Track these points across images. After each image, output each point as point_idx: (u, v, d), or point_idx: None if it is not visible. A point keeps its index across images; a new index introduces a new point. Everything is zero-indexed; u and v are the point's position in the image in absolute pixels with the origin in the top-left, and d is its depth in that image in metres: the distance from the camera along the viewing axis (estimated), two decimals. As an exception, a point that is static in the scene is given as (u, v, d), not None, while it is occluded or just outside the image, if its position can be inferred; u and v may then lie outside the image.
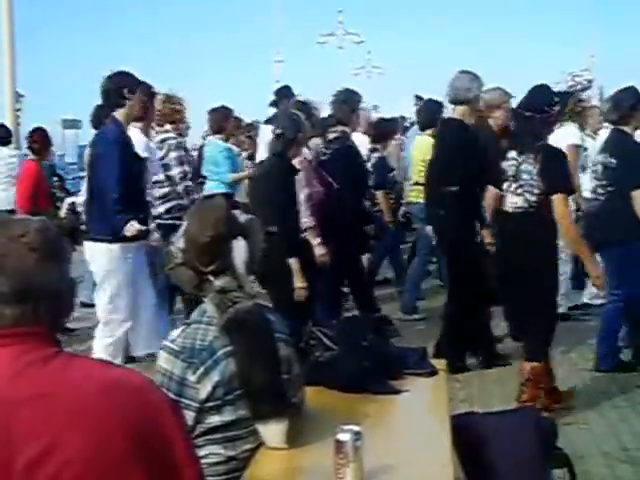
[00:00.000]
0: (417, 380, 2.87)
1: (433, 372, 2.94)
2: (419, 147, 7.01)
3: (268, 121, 6.46)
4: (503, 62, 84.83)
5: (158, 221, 5.56)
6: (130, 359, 5.41)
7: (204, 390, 2.24)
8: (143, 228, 4.58)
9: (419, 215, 7.07)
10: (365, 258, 7.23)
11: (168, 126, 6.06)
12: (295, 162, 5.03)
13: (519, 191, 4.32)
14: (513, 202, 4.36)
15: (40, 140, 7.45)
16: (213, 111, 7.05)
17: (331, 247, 5.29)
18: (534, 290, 4.37)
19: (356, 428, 2.02)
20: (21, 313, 1.50)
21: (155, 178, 5.79)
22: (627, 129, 5.31)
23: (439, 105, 6.53)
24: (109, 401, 1.49)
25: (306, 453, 2.27)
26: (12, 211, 7.13)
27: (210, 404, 2.25)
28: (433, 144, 5.68)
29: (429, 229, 6.09)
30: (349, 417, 2.27)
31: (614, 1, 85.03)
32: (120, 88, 4.68)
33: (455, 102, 5.40)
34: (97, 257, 4.69)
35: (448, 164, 5.27)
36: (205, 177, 6.99)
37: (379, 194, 7.61)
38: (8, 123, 9.73)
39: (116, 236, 4.57)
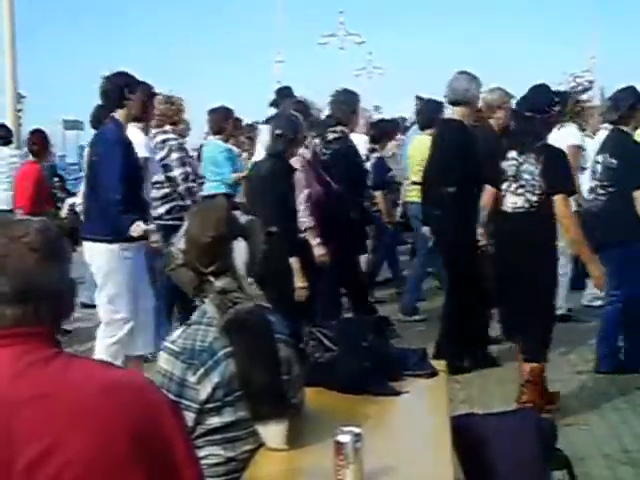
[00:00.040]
0: (417, 381, 2.88)
1: (433, 373, 2.94)
2: (417, 147, 7.01)
3: (267, 121, 6.47)
4: (503, 62, 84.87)
5: (158, 222, 5.56)
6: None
7: (204, 391, 2.24)
8: (149, 228, 4.60)
9: (417, 215, 7.08)
10: (364, 259, 7.25)
11: (168, 127, 6.06)
12: (294, 162, 5.04)
13: (519, 191, 4.31)
14: (513, 202, 4.35)
15: (39, 142, 7.50)
16: (213, 112, 7.05)
17: (330, 247, 5.29)
18: (534, 290, 4.36)
19: (356, 429, 2.02)
20: (22, 313, 1.51)
21: (155, 178, 5.79)
22: (627, 129, 5.31)
23: (439, 105, 6.53)
24: (110, 402, 1.49)
25: (306, 454, 2.27)
26: (10, 211, 7.14)
27: (210, 405, 2.25)
28: (431, 144, 5.67)
29: (426, 229, 6.10)
30: (349, 418, 2.28)
31: (615, 2, 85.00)
32: (121, 88, 4.68)
33: (454, 103, 5.40)
34: (97, 257, 4.69)
35: (447, 165, 5.27)
36: (203, 178, 6.97)
37: (378, 194, 7.62)
38: (9, 124, 9.74)
39: (121, 236, 4.57)
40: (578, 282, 6.97)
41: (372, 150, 7.80)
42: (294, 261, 4.82)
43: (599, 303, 6.26)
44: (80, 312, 6.33)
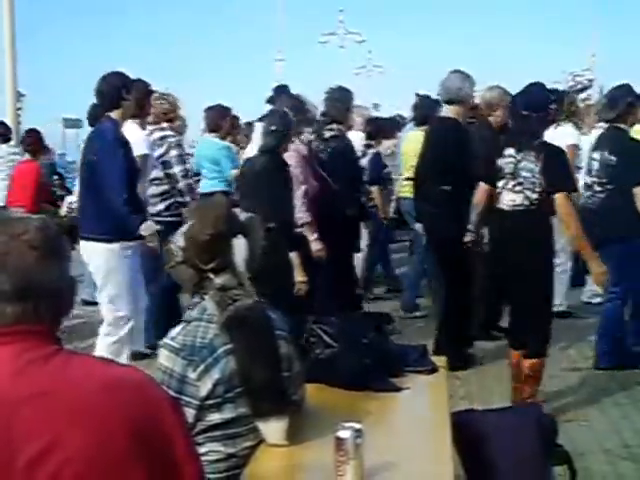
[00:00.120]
0: (417, 377, 2.88)
1: (433, 369, 2.95)
2: (411, 143, 7.01)
3: (262, 119, 6.48)
4: (503, 62, 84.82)
5: (157, 219, 5.56)
6: (140, 355, 5.43)
7: (204, 388, 2.25)
8: (158, 227, 4.61)
9: (410, 211, 7.09)
10: (361, 255, 7.27)
11: (165, 124, 6.06)
12: (289, 157, 5.05)
13: (518, 189, 4.30)
14: (511, 200, 4.33)
15: (34, 142, 7.58)
16: (209, 109, 7.04)
17: (326, 243, 5.32)
18: (534, 287, 4.36)
19: (356, 425, 2.02)
20: (22, 311, 1.51)
21: (154, 175, 5.79)
22: (624, 126, 5.32)
23: (436, 102, 6.54)
24: (110, 399, 1.49)
25: (306, 450, 2.27)
26: (4, 207, 7.15)
27: (210, 402, 2.26)
28: (423, 141, 5.66)
29: (419, 226, 6.11)
30: (349, 414, 2.27)
31: (615, 1, 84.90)
32: (118, 89, 4.67)
33: (447, 102, 5.39)
34: (97, 257, 4.67)
35: (442, 163, 5.25)
36: (198, 175, 6.95)
37: (374, 189, 7.64)
38: (9, 122, 9.74)
39: (124, 235, 4.59)
40: (578, 279, 6.98)
41: (368, 146, 7.81)
42: (294, 256, 4.84)
43: (598, 300, 6.27)
44: (80, 309, 6.34)
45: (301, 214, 5.14)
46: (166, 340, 2.34)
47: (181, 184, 5.95)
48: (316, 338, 2.87)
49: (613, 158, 5.21)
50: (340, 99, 6.06)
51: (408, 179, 6.84)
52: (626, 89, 5.40)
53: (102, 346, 4.69)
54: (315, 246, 5.26)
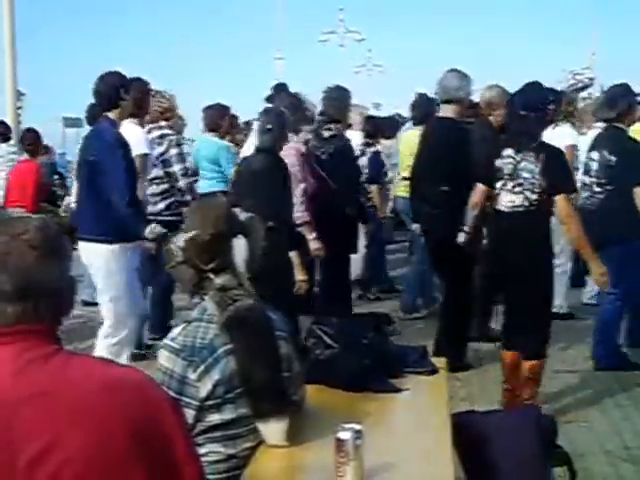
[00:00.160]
0: (418, 378, 2.88)
1: (433, 370, 2.94)
2: (407, 142, 7.01)
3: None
4: (503, 62, 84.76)
5: (158, 218, 5.56)
6: (139, 356, 5.44)
7: (204, 388, 2.24)
8: (164, 230, 4.61)
9: (405, 210, 7.09)
10: (360, 256, 7.27)
11: (163, 122, 6.06)
12: (288, 155, 5.05)
13: (517, 189, 4.28)
14: (510, 201, 4.32)
15: (33, 142, 7.58)
16: (208, 108, 7.03)
17: (324, 242, 5.33)
18: (533, 289, 4.36)
19: (357, 426, 2.02)
20: (22, 311, 1.51)
21: (153, 174, 5.79)
22: (622, 126, 5.31)
23: (435, 101, 6.54)
24: (110, 399, 1.49)
25: (306, 451, 2.27)
26: (2, 207, 7.16)
27: (210, 402, 2.25)
28: (419, 140, 5.65)
29: (416, 226, 6.10)
30: (350, 415, 2.28)
31: (615, 1, 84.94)
32: (116, 89, 4.67)
33: (445, 101, 5.38)
34: (97, 258, 4.66)
35: (441, 163, 5.23)
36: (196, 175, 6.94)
37: (373, 188, 7.64)
38: (9, 121, 9.74)
39: (131, 236, 4.60)
40: (577, 280, 6.98)
41: (367, 145, 7.81)
42: (294, 255, 4.85)
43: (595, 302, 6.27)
44: (81, 310, 6.34)
45: (300, 213, 5.15)
46: (166, 341, 2.33)
47: (181, 183, 5.95)
48: (316, 339, 2.87)
49: (613, 158, 5.20)
50: (338, 98, 6.06)
51: (405, 179, 6.84)
52: (625, 88, 5.40)
53: (102, 347, 4.68)
54: (313, 245, 5.27)
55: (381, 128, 8.39)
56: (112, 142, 4.58)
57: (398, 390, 2.75)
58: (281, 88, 7.20)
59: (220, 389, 2.25)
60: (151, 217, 5.43)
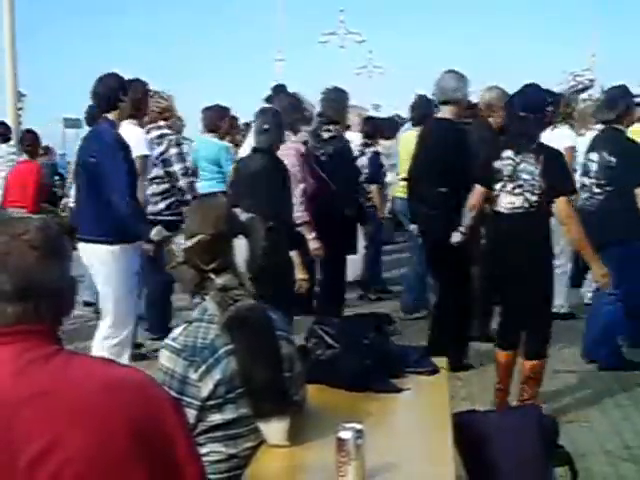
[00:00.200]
0: (418, 378, 2.88)
1: (434, 370, 2.94)
2: (405, 143, 7.01)
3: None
4: (503, 62, 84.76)
5: (158, 218, 5.57)
6: (140, 356, 5.44)
7: (206, 388, 2.24)
8: (170, 234, 4.61)
9: (403, 211, 7.09)
10: (359, 257, 7.28)
11: (161, 122, 6.06)
12: (289, 155, 5.05)
13: (517, 191, 4.28)
14: (510, 202, 4.31)
15: (32, 143, 7.62)
16: (207, 109, 7.03)
17: (323, 242, 5.33)
18: (534, 289, 4.36)
19: (358, 426, 2.02)
20: (23, 311, 1.51)
21: (154, 174, 5.79)
22: (621, 127, 5.32)
23: (433, 102, 6.54)
24: (111, 399, 1.49)
25: (308, 451, 2.27)
26: (1, 207, 7.17)
27: (212, 402, 2.25)
28: (417, 141, 5.64)
29: (414, 227, 6.09)
30: (351, 415, 2.27)
31: (615, 1, 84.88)
32: (115, 91, 4.67)
33: (443, 102, 5.37)
34: (97, 258, 4.66)
35: (439, 164, 5.22)
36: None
37: (373, 188, 7.64)
38: (10, 122, 9.75)
39: (131, 237, 4.61)
40: (577, 280, 6.97)
41: (366, 145, 7.81)
42: (294, 254, 4.86)
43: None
44: (81, 310, 6.35)
45: (299, 213, 5.15)
46: (167, 341, 2.33)
47: (181, 182, 5.95)
48: (317, 339, 2.87)
49: (613, 159, 5.20)
50: (336, 99, 6.06)
51: (404, 179, 6.85)
52: (623, 90, 5.42)
53: (103, 348, 4.68)
54: (313, 245, 5.27)
55: (380, 129, 8.40)
56: (112, 143, 4.58)
57: (399, 390, 2.75)
58: (280, 89, 7.21)
59: (221, 389, 2.25)
60: (151, 217, 5.45)
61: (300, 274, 4.91)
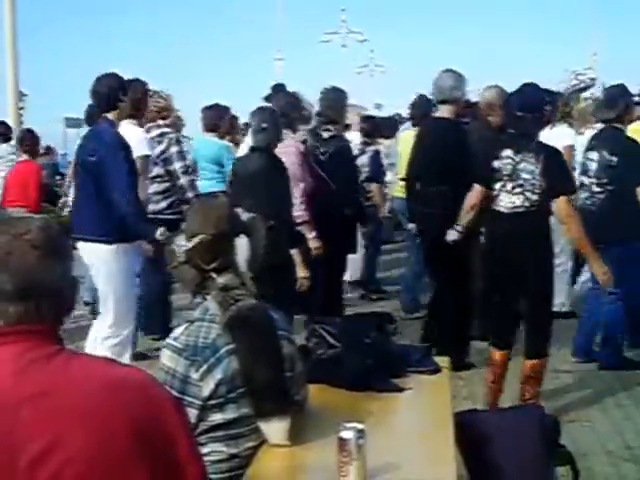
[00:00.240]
0: (420, 378, 2.87)
1: (436, 370, 2.94)
2: (404, 143, 7.01)
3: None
4: (505, 61, 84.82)
5: (159, 217, 5.57)
6: (141, 356, 5.44)
7: (207, 388, 2.24)
8: (172, 234, 4.61)
9: (402, 211, 7.09)
10: (359, 256, 7.27)
11: (160, 121, 6.06)
12: (289, 154, 5.04)
13: (517, 190, 4.27)
14: (510, 202, 4.30)
15: (31, 142, 7.60)
16: (207, 109, 7.02)
17: (323, 242, 5.33)
18: (534, 288, 4.36)
19: (359, 426, 2.02)
20: (24, 311, 1.51)
21: (154, 173, 5.79)
22: (621, 126, 5.32)
23: (432, 101, 6.53)
24: (113, 399, 1.49)
25: (309, 451, 2.27)
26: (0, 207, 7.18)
27: (213, 402, 2.25)
28: (415, 141, 5.63)
29: (412, 226, 6.08)
30: (352, 415, 2.27)
31: (616, 1, 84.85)
32: (115, 91, 4.67)
33: (441, 101, 5.36)
34: (97, 258, 4.65)
35: (439, 163, 5.22)
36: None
37: (374, 187, 7.63)
38: (11, 121, 9.77)
39: (138, 237, 4.63)
40: (576, 278, 6.96)
41: (366, 143, 7.81)
42: (295, 253, 4.86)
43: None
44: (82, 310, 6.35)
45: (300, 212, 5.15)
46: (169, 340, 2.33)
47: (182, 180, 5.93)
48: (319, 338, 2.86)
49: (614, 159, 5.19)
50: (335, 99, 6.06)
51: (402, 179, 6.85)
52: (622, 89, 5.42)
53: (105, 347, 4.67)
54: (313, 244, 5.28)
55: (379, 128, 8.40)
56: (112, 142, 4.58)
57: (401, 389, 2.74)
58: (279, 89, 7.21)
59: (222, 388, 2.25)
60: (152, 215, 5.45)
61: (301, 272, 4.93)
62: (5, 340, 1.49)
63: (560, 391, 4.99)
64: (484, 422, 2.76)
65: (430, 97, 6.60)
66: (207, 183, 6.69)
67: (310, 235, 5.27)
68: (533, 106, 4.33)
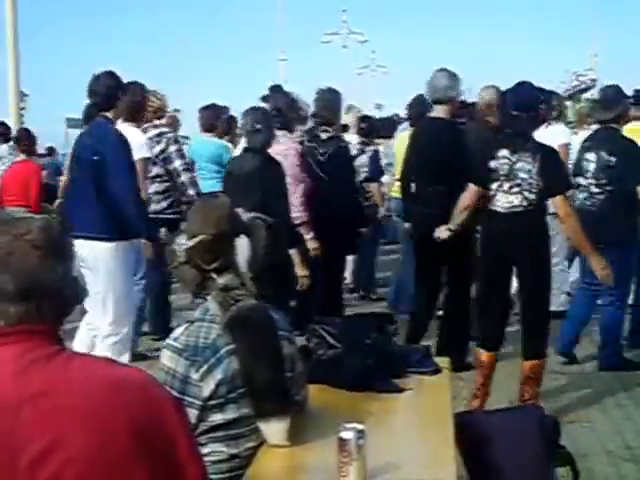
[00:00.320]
0: (420, 378, 2.87)
1: (436, 370, 2.94)
2: (402, 143, 7.01)
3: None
4: (504, 62, 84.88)
5: (160, 216, 5.57)
6: (140, 356, 5.45)
7: (207, 388, 2.24)
8: (172, 235, 4.62)
9: (398, 211, 7.09)
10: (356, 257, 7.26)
11: (157, 121, 6.06)
12: (288, 155, 5.04)
13: (514, 190, 4.26)
14: (508, 202, 4.30)
15: (28, 142, 7.61)
16: (204, 109, 7.03)
17: (322, 242, 5.34)
18: (534, 289, 4.36)
19: (359, 426, 2.02)
20: (25, 311, 1.51)
21: (154, 172, 5.79)
22: (618, 127, 5.32)
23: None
24: (113, 399, 1.49)
25: (309, 451, 2.27)
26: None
27: (213, 402, 2.26)
28: (410, 142, 5.63)
29: (408, 226, 6.09)
30: (352, 415, 2.27)
31: (616, 0, 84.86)
32: (113, 89, 4.68)
33: (437, 101, 5.36)
34: (99, 256, 4.65)
35: (435, 163, 5.21)
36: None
37: (373, 186, 7.63)
38: (13, 122, 9.77)
39: (138, 235, 4.62)
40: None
41: (364, 143, 7.81)
42: (294, 252, 4.86)
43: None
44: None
45: (299, 213, 5.15)
46: (169, 340, 2.34)
47: (183, 177, 5.93)
48: (319, 339, 2.87)
49: (612, 159, 5.18)
50: (331, 100, 6.05)
51: (398, 179, 6.84)
52: (617, 90, 5.43)
53: (105, 346, 4.68)
54: (311, 245, 5.28)
55: (376, 128, 8.39)
56: (114, 141, 4.59)
57: (401, 390, 2.74)
58: (277, 90, 7.22)
59: (223, 389, 2.25)
60: (153, 215, 5.46)
61: (301, 271, 4.94)
62: (6, 340, 1.50)
63: (560, 391, 4.99)
64: (484, 423, 2.76)
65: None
66: (206, 183, 6.69)
67: (308, 236, 5.28)
68: (528, 105, 4.33)
